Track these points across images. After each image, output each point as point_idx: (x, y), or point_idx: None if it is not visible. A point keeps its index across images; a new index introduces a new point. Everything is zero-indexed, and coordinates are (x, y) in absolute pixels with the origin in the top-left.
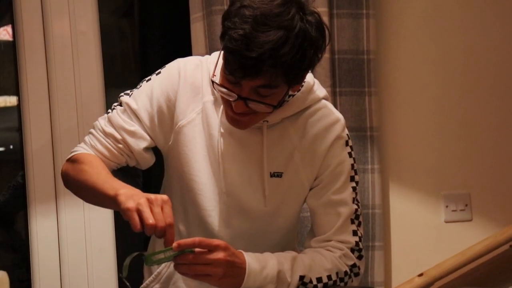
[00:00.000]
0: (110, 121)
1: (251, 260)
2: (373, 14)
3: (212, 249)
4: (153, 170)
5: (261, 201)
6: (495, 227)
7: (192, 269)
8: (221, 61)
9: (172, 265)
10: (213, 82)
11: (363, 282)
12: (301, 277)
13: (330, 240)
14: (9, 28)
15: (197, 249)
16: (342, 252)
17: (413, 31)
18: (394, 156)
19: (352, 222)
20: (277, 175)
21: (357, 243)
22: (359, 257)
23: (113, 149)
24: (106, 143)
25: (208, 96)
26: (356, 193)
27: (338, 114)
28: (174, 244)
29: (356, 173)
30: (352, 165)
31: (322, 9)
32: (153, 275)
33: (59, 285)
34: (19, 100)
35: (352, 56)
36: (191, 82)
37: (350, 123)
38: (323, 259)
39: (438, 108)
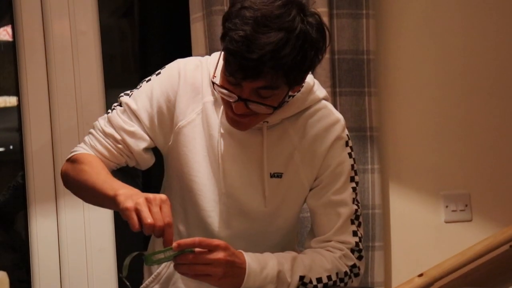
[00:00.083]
0: (110, 122)
1: (251, 260)
2: (373, 14)
3: (212, 249)
4: (153, 170)
5: (261, 201)
6: (495, 227)
7: (192, 269)
8: (221, 62)
9: (172, 265)
10: (213, 83)
11: (363, 282)
12: (301, 277)
13: (330, 241)
14: (9, 29)
15: (197, 249)
16: (342, 252)
17: (413, 31)
18: (394, 156)
19: (352, 223)
20: (277, 175)
21: (357, 244)
22: (359, 258)
23: (112, 150)
24: (106, 144)
25: (208, 96)
26: (356, 194)
27: (338, 115)
28: (174, 244)
29: (356, 174)
30: (352, 166)
31: (322, 9)
32: (153, 275)
33: (59, 285)
34: (19, 101)
35: (352, 56)
36: (191, 82)
37: (350, 123)
38: (323, 259)
39: (438, 108)
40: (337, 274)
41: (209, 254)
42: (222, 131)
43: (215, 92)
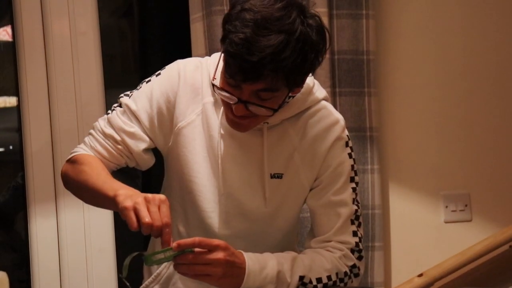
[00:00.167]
0: (109, 122)
1: (251, 260)
2: (372, 14)
3: (212, 249)
4: (152, 171)
5: (261, 202)
6: (495, 227)
7: (192, 269)
8: (221, 64)
9: (172, 265)
10: (213, 85)
11: (363, 283)
12: (301, 278)
13: (330, 241)
14: (8, 29)
15: (196, 249)
16: (342, 252)
17: (413, 32)
18: (393, 156)
19: (352, 223)
20: (277, 176)
21: (357, 244)
22: (359, 258)
23: (112, 150)
24: (106, 144)
25: (208, 97)
26: (356, 194)
27: (338, 115)
28: (174, 244)
29: (356, 174)
30: (352, 166)
31: (321, 10)
32: (152, 276)
33: (58, 285)
34: (18, 101)
35: (352, 57)
36: (191, 83)
37: (349, 124)
38: (323, 259)
39: (438, 109)
40: (337, 274)
41: (208, 254)
42: (222, 132)
43: (216, 94)
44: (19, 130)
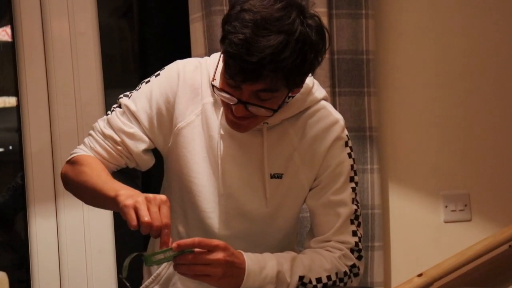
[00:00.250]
0: (109, 123)
1: (251, 260)
2: (372, 14)
3: (212, 249)
4: (152, 171)
5: (261, 202)
6: (495, 227)
7: (192, 269)
8: (221, 65)
9: (171, 266)
10: (213, 86)
11: (362, 282)
12: (301, 278)
13: (329, 241)
14: (8, 29)
15: (196, 249)
16: (342, 252)
17: (412, 31)
18: (393, 156)
19: (352, 223)
20: (277, 176)
21: (356, 244)
22: (359, 258)
23: (112, 151)
24: (105, 145)
25: (207, 97)
26: (355, 194)
27: (337, 115)
28: (174, 245)
29: (355, 174)
30: (352, 166)
31: (321, 10)
32: (152, 276)
33: (58, 285)
34: (18, 101)
35: (351, 56)
36: (190, 83)
37: (349, 123)
38: (322, 259)
39: (438, 108)
40: (336, 274)
41: (208, 254)
42: (222, 132)
43: (215, 95)
44: (18, 130)
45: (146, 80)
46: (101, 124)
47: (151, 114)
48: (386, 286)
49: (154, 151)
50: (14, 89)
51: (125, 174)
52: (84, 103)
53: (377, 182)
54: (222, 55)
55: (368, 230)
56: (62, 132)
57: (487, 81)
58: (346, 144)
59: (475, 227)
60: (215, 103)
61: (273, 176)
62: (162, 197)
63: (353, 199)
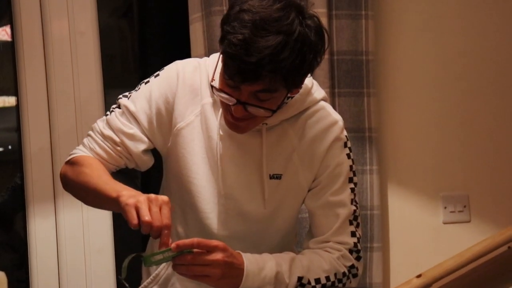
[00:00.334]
0: (108, 124)
1: (249, 261)
2: (371, 15)
3: (211, 250)
4: (151, 171)
5: (260, 203)
6: (494, 228)
7: (191, 269)
8: (220, 65)
9: (170, 266)
10: (212, 86)
11: (361, 283)
12: (299, 278)
13: (328, 241)
14: (8, 29)
15: (195, 250)
16: (340, 253)
17: (412, 32)
18: (392, 157)
19: (351, 223)
20: (276, 177)
21: (355, 244)
22: (358, 258)
23: (111, 152)
24: (105, 146)
25: (207, 98)
26: (354, 194)
27: (336, 116)
28: (173, 245)
29: (354, 175)
30: (351, 167)
31: (321, 10)
32: (151, 277)
33: (57, 285)
34: (17, 101)
35: (351, 57)
36: (189, 84)
37: (348, 124)
38: (321, 260)
39: (437, 109)
40: (335, 274)
41: (207, 255)
42: (221, 133)
43: (214, 95)
44: (18, 130)
45: (145, 80)
46: (100, 124)
47: (150, 115)
48: (385, 287)
49: (154, 152)
50: (13, 89)
51: (124, 175)
52: (83, 103)
53: (376, 183)
54: (221, 55)
55: (367, 231)
56: (61, 132)
57: (486, 82)
58: (345, 145)
59: (474, 228)
60: (214, 104)
61: (272, 177)
62: (164, 198)
63: (352, 199)
